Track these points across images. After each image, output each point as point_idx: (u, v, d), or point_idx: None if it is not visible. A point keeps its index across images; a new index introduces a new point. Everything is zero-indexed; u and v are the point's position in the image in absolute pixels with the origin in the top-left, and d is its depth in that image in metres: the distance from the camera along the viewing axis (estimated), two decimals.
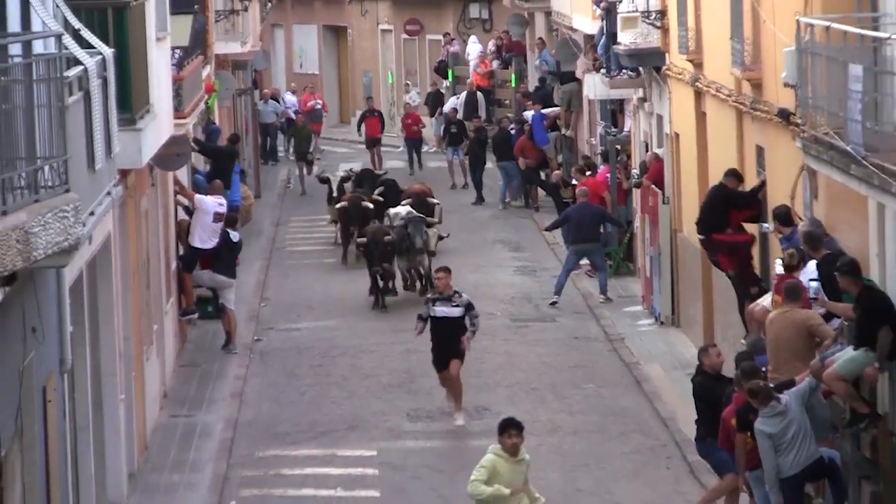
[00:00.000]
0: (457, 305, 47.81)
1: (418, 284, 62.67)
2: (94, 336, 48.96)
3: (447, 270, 49.46)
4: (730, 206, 61.33)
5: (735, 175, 62.67)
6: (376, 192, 70.01)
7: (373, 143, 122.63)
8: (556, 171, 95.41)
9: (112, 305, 52.11)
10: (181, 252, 75.78)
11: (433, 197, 65.62)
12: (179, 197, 77.71)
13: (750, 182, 61.71)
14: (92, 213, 38.37)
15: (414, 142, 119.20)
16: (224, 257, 75.25)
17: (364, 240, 54.71)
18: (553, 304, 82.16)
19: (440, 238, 64.05)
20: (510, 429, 37.63)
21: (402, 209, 59.25)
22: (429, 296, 49.26)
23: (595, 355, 70.68)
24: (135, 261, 57.92)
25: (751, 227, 60.18)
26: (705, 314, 65.98)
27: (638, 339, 71.50)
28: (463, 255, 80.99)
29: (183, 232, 74.74)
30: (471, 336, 50.04)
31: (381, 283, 53.60)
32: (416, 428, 56.52)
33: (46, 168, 33.25)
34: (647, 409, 63.08)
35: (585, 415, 62.71)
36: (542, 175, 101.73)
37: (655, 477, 55.61)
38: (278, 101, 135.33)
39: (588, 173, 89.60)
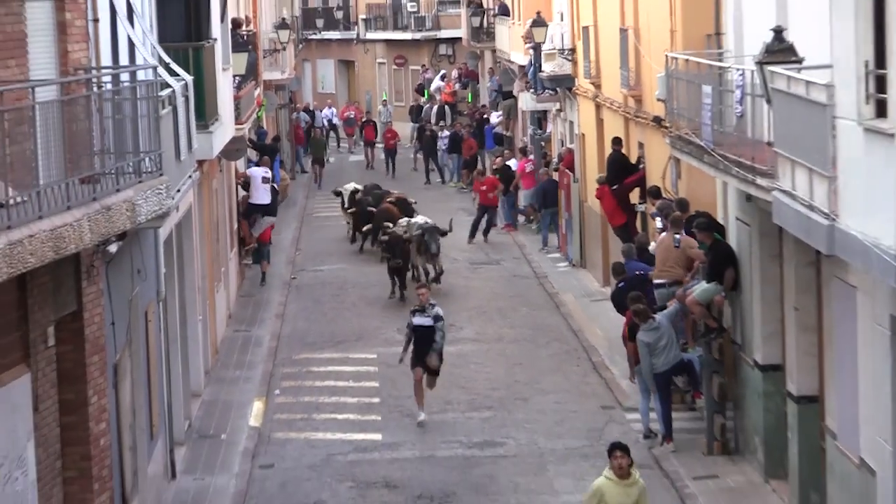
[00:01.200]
0: (428, 315, 46.46)
1: (430, 277, 58.99)
2: (181, 275, 49.66)
3: (427, 287, 47.98)
4: (624, 167, 62.95)
5: (617, 141, 65.32)
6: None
7: (369, 144, 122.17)
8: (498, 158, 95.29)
9: (193, 254, 52.61)
10: (242, 212, 75.93)
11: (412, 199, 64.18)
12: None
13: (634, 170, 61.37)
14: (178, 190, 38.56)
15: (391, 151, 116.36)
16: (272, 207, 76.66)
17: (387, 237, 52.66)
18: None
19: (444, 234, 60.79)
20: (616, 450, 32.11)
21: (419, 218, 57.14)
22: (411, 308, 47.38)
23: (527, 288, 71.15)
24: (208, 223, 58.47)
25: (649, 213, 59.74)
26: (602, 258, 66.25)
27: (557, 277, 71.88)
28: (437, 220, 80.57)
29: (242, 203, 75.29)
30: (437, 346, 47.32)
31: (397, 280, 51.78)
32: (403, 338, 56.51)
33: (147, 159, 33.56)
34: (563, 325, 63.39)
35: (521, 329, 63.35)
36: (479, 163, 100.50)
37: (569, 371, 55.93)
38: (307, 113, 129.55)
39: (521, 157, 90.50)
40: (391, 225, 58.36)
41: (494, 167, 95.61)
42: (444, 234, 55.80)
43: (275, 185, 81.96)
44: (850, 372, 35.61)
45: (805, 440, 39.41)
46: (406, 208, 65.14)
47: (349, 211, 74.43)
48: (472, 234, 79.01)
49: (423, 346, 49.42)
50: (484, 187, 73.75)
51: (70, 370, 33.52)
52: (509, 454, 43.70)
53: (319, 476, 44.32)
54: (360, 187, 72.53)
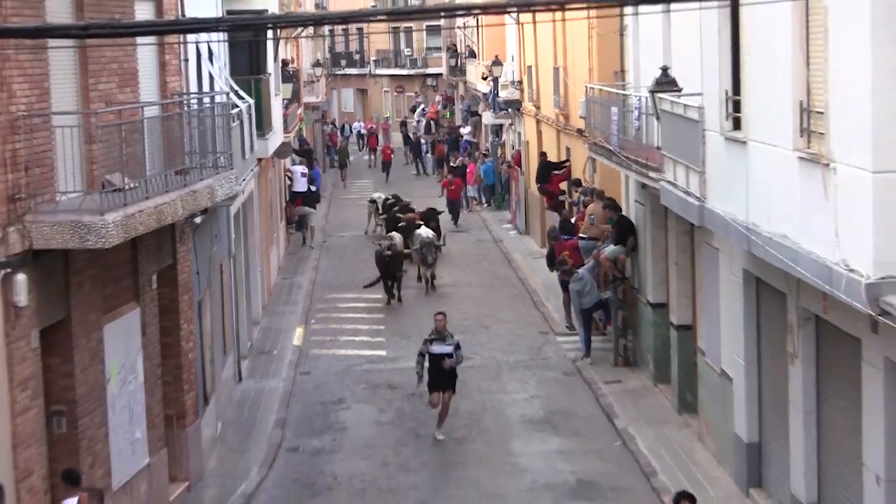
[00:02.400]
0: (449, 344, 37.37)
1: (426, 284, 57.08)
2: (245, 239, 49.24)
3: (444, 315, 39.15)
4: (550, 169, 62.17)
5: (543, 154, 65.88)
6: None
7: (373, 150, 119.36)
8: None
9: (253, 224, 52.53)
10: (288, 197, 75.43)
11: (436, 217, 60.33)
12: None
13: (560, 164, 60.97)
14: (244, 180, 38.58)
15: (386, 164, 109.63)
16: (308, 198, 75.36)
17: (390, 253, 49.30)
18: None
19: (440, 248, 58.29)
20: (682, 500, 25.25)
21: (423, 231, 54.54)
22: (427, 337, 38.81)
23: (488, 249, 70.49)
24: (265, 203, 58.20)
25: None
26: (540, 228, 65.81)
27: (509, 241, 71.04)
28: (420, 199, 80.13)
29: (288, 190, 74.96)
30: (454, 363, 38.39)
31: (394, 288, 48.77)
32: (409, 285, 56.51)
33: (222, 157, 33.50)
34: (513, 275, 62.47)
35: (483, 277, 62.59)
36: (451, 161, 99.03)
37: (518, 308, 55.33)
38: (334, 125, 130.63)
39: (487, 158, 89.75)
40: (396, 238, 55.69)
41: (454, 164, 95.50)
42: (439, 248, 54.18)
43: (313, 178, 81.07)
44: (714, 308, 35.72)
45: (682, 356, 39.50)
46: (433, 215, 62.32)
47: (381, 216, 69.86)
48: (455, 220, 76.37)
49: (442, 374, 39.58)
50: (453, 186, 72.25)
51: (167, 305, 33.72)
52: (476, 365, 43.75)
53: (342, 380, 44.53)
54: (387, 196, 68.44)
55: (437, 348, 31.82)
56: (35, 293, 25.55)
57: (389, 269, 47.76)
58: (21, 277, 24.88)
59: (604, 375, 44.55)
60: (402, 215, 62.45)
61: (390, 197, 66.82)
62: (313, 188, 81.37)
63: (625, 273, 45.92)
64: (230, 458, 37.28)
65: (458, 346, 38.65)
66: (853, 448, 25.55)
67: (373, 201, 67.74)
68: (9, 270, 24.55)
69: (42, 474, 26.32)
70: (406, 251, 54.99)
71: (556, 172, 61.87)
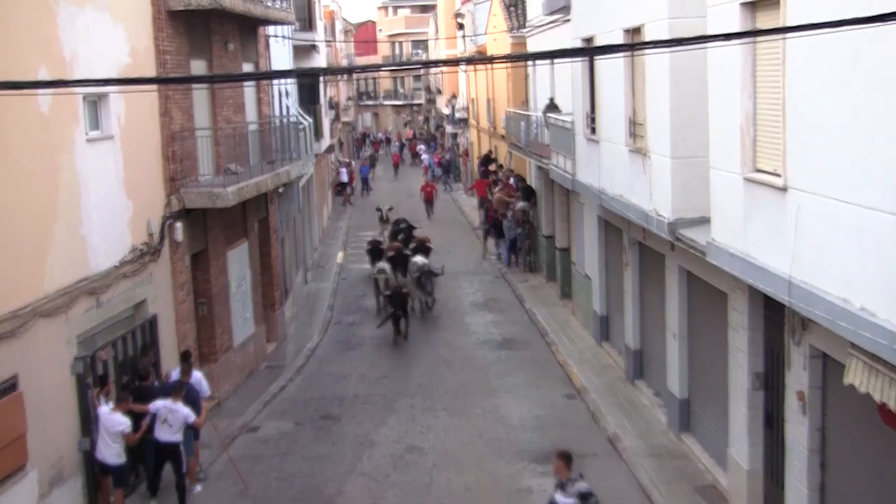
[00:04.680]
0: (570, 495, 17.28)
1: (426, 308, 39.07)
2: (308, 202, 48.69)
3: (563, 458, 17.56)
4: (487, 162, 59.21)
5: (487, 156, 60.85)
6: (399, 237, 45.42)
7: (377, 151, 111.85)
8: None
9: (312, 193, 51.90)
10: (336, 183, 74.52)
11: (429, 242, 42.69)
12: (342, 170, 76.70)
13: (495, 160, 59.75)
14: (307, 166, 38.41)
15: (395, 165, 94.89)
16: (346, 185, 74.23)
17: (389, 293, 35.29)
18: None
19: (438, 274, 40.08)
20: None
21: (419, 260, 39.03)
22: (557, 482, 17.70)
23: (449, 205, 68.45)
24: (320, 180, 57.33)
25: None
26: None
27: (463, 201, 69.05)
28: (409, 184, 78.86)
29: (333, 181, 73.52)
30: None
31: (400, 325, 34.81)
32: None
33: (294, 153, 33.38)
34: (464, 219, 61.17)
35: (448, 223, 61.28)
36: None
37: (467, 240, 54.58)
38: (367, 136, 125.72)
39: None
40: (387, 274, 38.26)
41: (419, 153, 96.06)
42: (436, 275, 38.96)
43: (353, 171, 78.76)
44: (581, 238, 35.85)
45: (563, 266, 39.56)
46: (424, 248, 42.58)
47: (386, 224, 52.40)
48: (430, 214, 64.07)
49: None
50: (428, 188, 65.67)
51: (263, 240, 33.75)
52: (446, 273, 43.36)
53: (365, 283, 43.75)
54: (398, 219, 50.19)
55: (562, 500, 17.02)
56: (187, 234, 25.91)
57: (395, 304, 34.75)
58: (179, 224, 25.28)
59: (517, 278, 44.47)
60: (393, 244, 43.50)
61: (401, 220, 49.18)
62: (365, 179, 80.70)
63: (530, 218, 45.63)
64: (301, 328, 37.42)
65: (585, 496, 17.18)
66: (660, 318, 25.74)
67: (378, 209, 54.07)
68: (172, 221, 24.99)
69: (194, 339, 26.76)
70: (402, 288, 36.29)
71: (490, 168, 57.73)
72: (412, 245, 42.24)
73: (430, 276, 38.57)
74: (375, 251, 43.13)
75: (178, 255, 25.34)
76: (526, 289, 42.32)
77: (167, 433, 20.77)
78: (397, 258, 40.47)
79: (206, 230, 27.70)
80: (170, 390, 21.43)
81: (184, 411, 20.83)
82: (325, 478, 22.98)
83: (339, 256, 51.98)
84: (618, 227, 29.86)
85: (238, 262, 30.76)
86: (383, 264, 39.12)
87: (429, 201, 64.73)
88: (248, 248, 31.87)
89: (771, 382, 18.78)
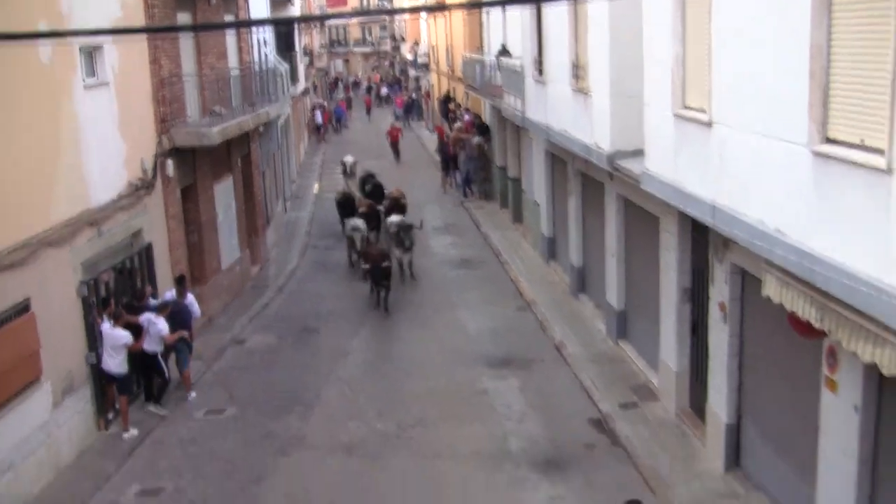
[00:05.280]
0: None
1: (403, 270, 32.52)
2: (286, 139, 48.09)
3: None
4: (447, 103, 58.84)
5: (447, 96, 59.95)
6: (367, 188, 40.78)
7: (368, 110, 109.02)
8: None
9: (290, 132, 51.39)
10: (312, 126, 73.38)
11: (405, 198, 37.45)
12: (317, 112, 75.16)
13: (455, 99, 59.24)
14: (285, 107, 38.09)
15: (368, 107, 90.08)
16: (322, 126, 72.84)
17: (368, 266, 29.70)
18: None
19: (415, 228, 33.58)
20: None
21: (395, 218, 33.36)
22: None
23: (413, 142, 67.57)
24: (296, 120, 56.49)
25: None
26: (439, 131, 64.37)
27: (425, 137, 67.97)
28: (380, 125, 78.36)
29: (310, 121, 72.28)
30: None
31: (381, 295, 29.37)
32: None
33: (273, 96, 33.24)
34: (427, 154, 60.22)
35: (412, 157, 60.70)
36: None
37: (429, 172, 54.09)
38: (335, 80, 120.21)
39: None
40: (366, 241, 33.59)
41: (382, 96, 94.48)
42: (412, 227, 32.63)
43: (328, 111, 77.28)
44: (530, 169, 35.83)
45: (514, 194, 39.53)
46: (399, 205, 37.00)
47: (350, 178, 45.98)
48: (397, 158, 59.85)
49: None
50: (394, 131, 61.35)
51: (246, 175, 33.55)
52: (410, 202, 43.12)
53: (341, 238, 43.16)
54: (355, 160, 47.02)
55: None
56: (177, 170, 25.74)
57: (377, 279, 29.37)
58: (170, 162, 25.12)
59: (474, 205, 44.32)
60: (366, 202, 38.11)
61: (370, 175, 43.22)
62: (339, 118, 79.47)
63: (485, 152, 45.51)
64: (282, 252, 37.28)
65: None
66: (600, 239, 25.80)
67: (343, 163, 47.26)
68: (163, 158, 24.89)
69: (186, 263, 26.73)
70: (384, 261, 29.57)
71: (449, 106, 57.43)
72: (385, 203, 37.36)
73: (409, 230, 32.76)
74: (345, 203, 38.82)
75: (169, 189, 25.24)
76: (482, 215, 42.31)
77: (148, 343, 21.18)
78: (371, 215, 36.21)
79: (195, 166, 27.54)
80: (159, 308, 21.80)
81: (160, 325, 21.21)
82: (305, 384, 23.18)
83: (315, 188, 51.62)
84: (563, 159, 29.83)
85: (224, 195, 30.60)
86: (357, 221, 34.59)
87: (394, 144, 61.32)
88: (233, 181, 31.69)
89: (696, 295, 19.02)
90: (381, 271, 29.18)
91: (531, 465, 18.28)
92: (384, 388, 22.79)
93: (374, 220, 36.04)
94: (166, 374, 21.83)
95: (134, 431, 20.26)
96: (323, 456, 19.15)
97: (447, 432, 19.97)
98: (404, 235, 32.56)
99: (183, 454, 19.48)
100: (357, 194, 41.00)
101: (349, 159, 47.01)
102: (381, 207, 37.07)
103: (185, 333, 22.14)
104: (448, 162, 48.90)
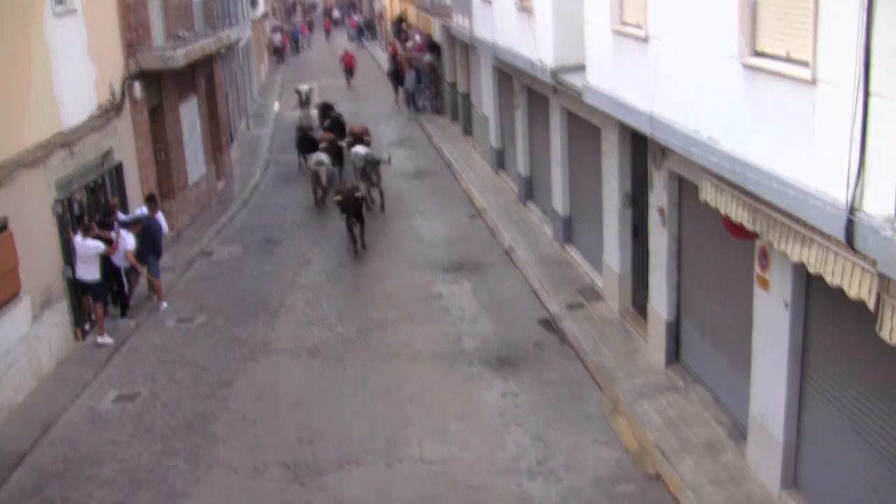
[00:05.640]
0: None
1: (376, 201, 29.64)
2: (247, 60, 47.43)
3: None
4: (400, 23, 57.58)
5: (400, 17, 58.57)
6: (325, 123, 36.52)
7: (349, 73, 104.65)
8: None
9: (252, 54, 50.74)
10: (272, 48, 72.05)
11: (368, 135, 33.20)
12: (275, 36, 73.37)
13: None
14: (245, 30, 37.56)
15: (328, 31, 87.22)
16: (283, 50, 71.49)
17: (340, 198, 25.66)
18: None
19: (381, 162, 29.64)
20: None
21: (361, 149, 29.62)
22: None
23: (369, 61, 66.91)
24: (257, 42, 55.73)
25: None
26: (391, 49, 63.66)
27: (378, 56, 67.68)
28: (338, 47, 77.53)
29: (269, 42, 70.68)
30: None
31: (354, 233, 25.90)
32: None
33: (233, 19, 32.70)
34: (381, 73, 58.30)
35: (368, 77, 59.75)
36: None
37: (383, 88, 52.98)
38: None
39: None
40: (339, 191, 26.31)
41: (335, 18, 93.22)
42: (379, 162, 29.27)
43: (286, 36, 75.10)
44: (479, 84, 35.68)
45: (464, 108, 39.46)
46: (360, 140, 32.41)
47: (305, 108, 40.97)
48: (349, 81, 56.06)
49: None
50: (347, 57, 56.71)
51: (210, 95, 33.24)
52: (368, 115, 42.91)
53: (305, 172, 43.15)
54: (311, 88, 42.26)
55: None
56: (144, 92, 25.42)
57: (349, 211, 25.39)
58: (137, 84, 24.78)
59: (426, 119, 44.32)
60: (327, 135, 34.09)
61: (329, 106, 39.30)
62: (296, 40, 77.85)
63: (436, 69, 45.30)
64: (245, 167, 36.99)
65: None
66: (546, 149, 25.80)
67: (298, 92, 41.91)
68: (131, 81, 24.55)
69: (154, 180, 26.49)
70: (355, 192, 25.97)
71: (402, 26, 56.26)
72: (347, 140, 33.20)
73: (376, 165, 29.08)
74: (305, 140, 35.32)
75: (137, 110, 25.00)
76: (434, 128, 42.12)
77: (116, 257, 21.09)
78: (333, 150, 32.36)
79: (161, 88, 27.23)
80: (131, 223, 21.80)
81: (129, 240, 21.14)
82: (270, 291, 23.15)
83: (276, 106, 51.14)
84: (509, 75, 29.64)
85: (189, 114, 30.32)
86: (321, 155, 30.69)
87: (349, 70, 57.05)
88: (198, 101, 31.38)
89: (637, 201, 19.07)
90: (354, 202, 25.36)
91: (484, 363, 18.36)
92: (345, 293, 22.76)
93: (336, 156, 32.34)
94: (125, 289, 21.76)
95: (109, 339, 20.19)
96: (289, 359, 19.18)
97: (405, 334, 20.03)
98: (371, 170, 29.13)
99: (157, 361, 19.46)
100: (315, 125, 38.28)
101: (304, 87, 42.32)
102: (342, 143, 33.03)
103: (142, 270, 22.00)
104: (400, 79, 48.45)
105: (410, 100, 46.73)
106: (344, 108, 43.19)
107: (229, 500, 14.22)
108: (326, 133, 34.90)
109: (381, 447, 15.42)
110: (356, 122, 37.95)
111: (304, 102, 41.11)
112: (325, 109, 38.95)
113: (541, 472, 14.46)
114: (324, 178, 30.13)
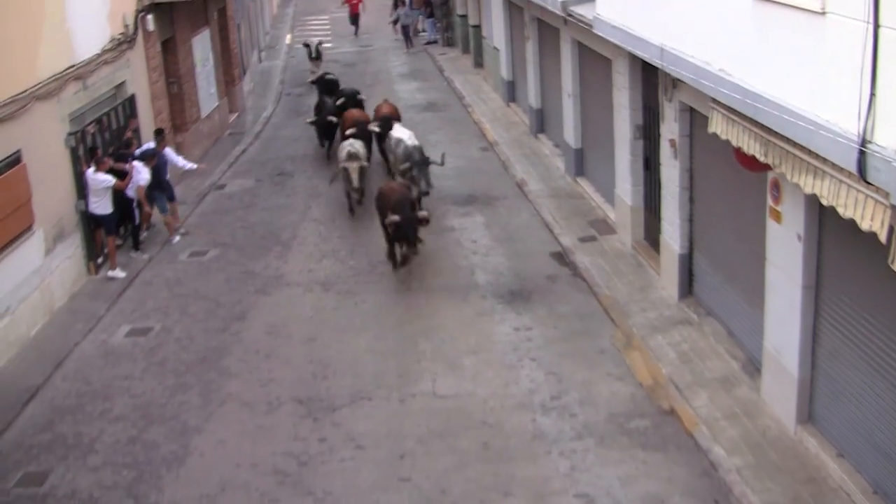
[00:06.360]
0: None
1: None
2: (247, 20, 47.40)
3: None
4: None
5: None
6: (337, 102, 27.81)
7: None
8: None
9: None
10: None
11: (399, 118, 25.32)
12: None
13: None
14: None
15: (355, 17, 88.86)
16: None
17: (398, 220, 18.06)
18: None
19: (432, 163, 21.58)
20: None
21: (408, 138, 21.88)
22: None
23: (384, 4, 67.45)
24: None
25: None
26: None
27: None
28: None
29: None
30: None
31: (398, 253, 19.04)
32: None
33: None
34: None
35: (372, 19, 59.27)
36: None
37: (385, 29, 52.74)
38: None
39: None
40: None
41: None
42: (429, 163, 21.27)
43: None
44: (490, 18, 35.29)
45: (475, 40, 39.09)
46: (388, 125, 24.18)
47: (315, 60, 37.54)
48: (357, 31, 50.29)
49: None
50: (354, 1, 59.09)
51: (223, 27, 33.09)
52: (378, 48, 42.63)
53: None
54: (320, 41, 39.04)
55: None
56: (157, 24, 25.28)
57: (405, 234, 18.79)
58: (150, 16, 24.68)
59: (438, 52, 43.99)
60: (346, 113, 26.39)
61: (330, 79, 31.96)
62: None
63: (447, 1, 44.96)
64: (257, 100, 36.82)
65: None
66: (557, 81, 25.59)
67: (307, 45, 38.74)
68: (143, 13, 24.41)
69: (167, 113, 26.38)
70: (418, 213, 18.92)
71: None
72: (376, 124, 25.38)
73: (425, 166, 21.30)
74: (325, 125, 27.56)
75: (150, 42, 24.86)
76: (445, 60, 41.78)
77: (130, 189, 20.96)
78: (363, 135, 24.53)
79: (173, 20, 27.06)
80: (147, 157, 21.64)
81: (144, 174, 21.03)
82: (283, 224, 23.06)
83: (288, 38, 50.72)
84: (519, 6, 29.29)
85: (202, 46, 30.13)
86: (354, 144, 23.10)
87: (355, 17, 51.09)
88: (210, 33, 31.18)
89: (648, 133, 18.86)
90: (412, 226, 18.93)
91: (497, 297, 18.24)
92: (356, 226, 22.63)
93: (367, 141, 24.81)
94: (135, 222, 21.74)
95: (121, 273, 20.17)
96: (301, 292, 19.13)
97: (417, 267, 19.89)
98: (419, 173, 21.21)
99: (169, 295, 19.42)
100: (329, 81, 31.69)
101: (314, 41, 39.16)
102: (375, 128, 25.25)
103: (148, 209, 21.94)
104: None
105: (404, 34, 46.35)
106: (354, 58, 43.08)
107: (242, 436, 14.19)
108: (352, 111, 26.46)
109: (393, 382, 15.36)
110: (380, 96, 31.71)
111: (315, 57, 38.29)
112: (330, 85, 31.08)
113: (554, 407, 14.37)
114: (355, 180, 22.42)
